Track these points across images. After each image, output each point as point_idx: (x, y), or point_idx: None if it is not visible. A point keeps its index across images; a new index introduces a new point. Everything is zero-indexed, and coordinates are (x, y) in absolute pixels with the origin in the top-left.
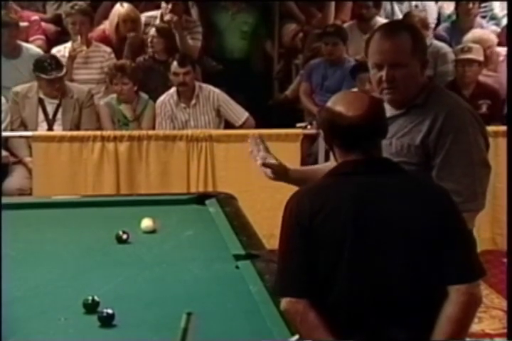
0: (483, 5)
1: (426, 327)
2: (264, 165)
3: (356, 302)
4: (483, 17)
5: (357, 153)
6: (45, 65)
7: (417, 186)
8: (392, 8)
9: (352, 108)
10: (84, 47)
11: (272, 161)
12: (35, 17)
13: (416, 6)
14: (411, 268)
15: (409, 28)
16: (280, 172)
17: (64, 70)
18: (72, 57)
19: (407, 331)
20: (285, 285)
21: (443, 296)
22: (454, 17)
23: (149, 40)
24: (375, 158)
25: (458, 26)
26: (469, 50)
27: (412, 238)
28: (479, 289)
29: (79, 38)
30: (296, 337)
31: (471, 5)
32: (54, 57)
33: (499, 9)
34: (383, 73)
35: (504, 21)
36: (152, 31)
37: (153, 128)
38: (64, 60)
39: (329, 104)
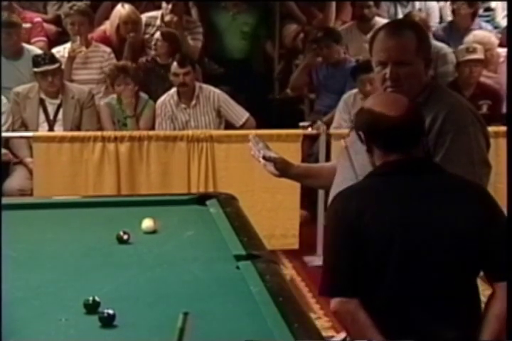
0: (485, 13)
1: (472, 325)
2: (265, 158)
3: (404, 301)
4: (487, 21)
5: (397, 154)
6: (39, 60)
7: (459, 185)
8: (396, 11)
9: (394, 109)
10: (84, 48)
11: (273, 155)
12: (37, 18)
13: (420, 9)
14: (457, 267)
15: (414, 27)
16: (283, 167)
17: (57, 65)
18: (71, 58)
19: (454, 330)
20: (335, 285)
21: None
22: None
23: (153, 42)
24: (416, 159)
25: (455, 27)
26: (474, 50)
27: (458, 237)
28: None
29: (78, 38)
30: (342, 335)
31: (465, 6)
32: (49, 53)
33: (501, 17)
34: (387, 71)
35: (504, 23)
36: (157, 35)
37: (151, 127)
38: (63, 61)
39: (368, 105)
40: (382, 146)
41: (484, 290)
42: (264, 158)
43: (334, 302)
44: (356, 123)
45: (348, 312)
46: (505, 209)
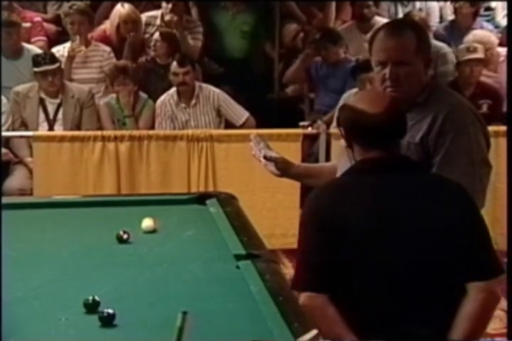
0: (486, 13)
1: (445, 324)
2: (267, 158)
3: (375, 298)
4: (488, 20)
5: (377, 151)
6: (39, 60)
7: (436, 184)
8: (396, 10)
9: (375, 106)
10: (83, 47)
11: (274, 155)
12: (37, 18)
13: (420, 9)
14: (430, 265)
15: (414, 27)
16: (283, 167)
17: (57, 64)
18: (70, 57)
19: (429, 329)
20: (304, 280)
21: (461, 294)
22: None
23: (152, 43)
24: (395, 156)
25: (456, 26)
26: (475, 50)
27: (431, 235)
28: (498, 287)
29: (78, 37)
30: (314, 332)
31: (467, 5)
32: (49, 53)
33: (501, 16)
34: (387, 71)
35: (504, 22)
36: (156, 35)
37: (151, 127)
38: (63, 60)
39: (351, 102)
40: (361, 143)
41: None
42: (265, 157)
43: (303, 296)
44: (337, 119)
45: (315, 308)
46: (505, 209)
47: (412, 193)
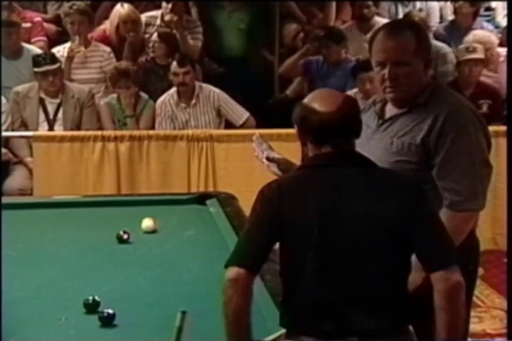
0: (486, 13)
1: (393, 316)
2: (269, 159)
3: (323, 290)
4: (488, 21)
5: (327, 147)
6: (40, 60)
7: (385, 178)
8: (396, 10)
9: (324, 104)
10: (82, 48)
11: (276, 156)
12: (38, 18)
13: (420, 9)
14: (376, 258)
15: (413, 27)
16: (286, 168)
17: (57, 64)
18: (70, 58)
19: (373, 320)
20: (239, 256)
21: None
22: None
23: (151, 44)
24: (344, 152)
25: (456, 26)
26: (474, 50)
27: (377, 229)
28: (456, 274)
29: (77, 38)
30: (280, 332)
31: (467, 5)
32: (50, 53)
33: (501, 16)
34: (386, 71)
35: (504, 22)
36: (154, 36)
37: (151, 127)
38: (63, 60)
39: (305, 101)
40: (312, 140)
41: (484, 290)
42: (267, 158)
43: (232, 269)
44: (292, 117)
45: (238, 282)
46: (505, 209)
47: (360, 188)
